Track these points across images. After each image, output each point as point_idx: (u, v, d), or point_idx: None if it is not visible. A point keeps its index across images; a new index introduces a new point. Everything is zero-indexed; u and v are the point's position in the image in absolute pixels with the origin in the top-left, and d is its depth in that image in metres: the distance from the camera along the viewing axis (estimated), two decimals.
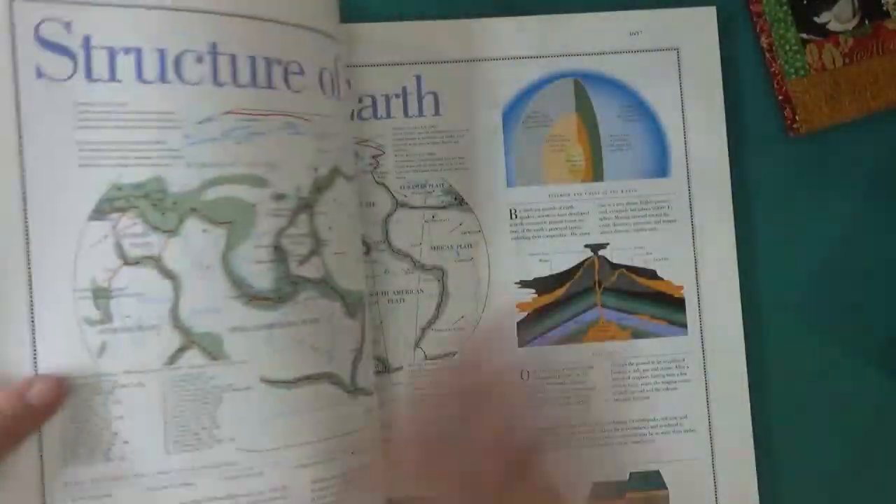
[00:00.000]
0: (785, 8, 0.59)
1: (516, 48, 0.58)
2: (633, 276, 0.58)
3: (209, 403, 0.42)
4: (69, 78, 0.39)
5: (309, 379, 0.46)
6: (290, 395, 0.45)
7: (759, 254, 0.59)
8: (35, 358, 0.40)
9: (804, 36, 0.59)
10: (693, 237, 0.58)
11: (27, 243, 0.39)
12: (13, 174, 0.39)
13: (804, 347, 0.59)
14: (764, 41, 0.59)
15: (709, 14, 0.59)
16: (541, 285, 0.58)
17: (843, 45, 0.59)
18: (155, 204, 0.41)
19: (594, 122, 0.59)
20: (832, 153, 0.60)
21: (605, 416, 0.58)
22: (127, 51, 0.40)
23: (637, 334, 0.58)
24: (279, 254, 0.44)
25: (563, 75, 0.59)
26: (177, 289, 0.41)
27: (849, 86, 0.59)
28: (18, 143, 0.39)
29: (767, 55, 0.59)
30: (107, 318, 0.41)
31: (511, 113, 0.58)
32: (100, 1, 0.39)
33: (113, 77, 0.40)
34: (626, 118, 0.59)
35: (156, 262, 0.41)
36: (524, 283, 0.58)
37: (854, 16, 0.59)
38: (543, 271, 0.58)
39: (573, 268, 0.58)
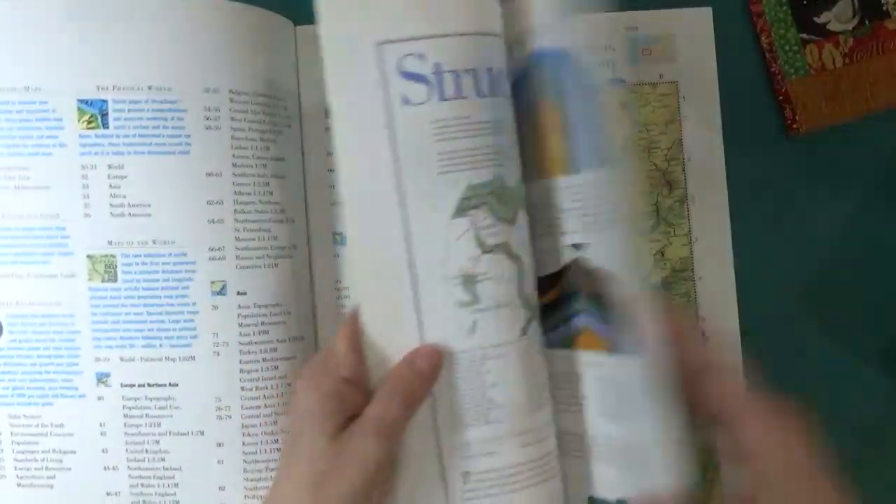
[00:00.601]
0: (785, 8, 0.59)
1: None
2: None
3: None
4: (426, 101, 0.46)
5: None
6: None
7: (757, 254, 0.59)
8: (422, 338, 0.47)
9: (804, 36, 0.59)
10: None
11: (408, 243, 0.47)
12: (392, 188, 0.46)
13: (803, 349, 0.59)
14: (764, 41, 0.59)
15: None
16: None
17: (843, 45, 0.59)
18: (499, 198, 0.48)
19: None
20: (832, 153, 0.60)
21: (596, 430, 0.55)
22: (467, 72, 0.47)
23: None
24: None
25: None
26: (520, 269, 0.48)
27: (849, 86, 0.59)
28: (394, 161, 0.46)
29: (767, 55, 0.60)
30: (474, 300, 0.47)
31: None
32: (447, 32, 0.47)
33: (459, 94, 0.47)
34: None
35: (505, 248, 0.48)
36: None
37: (854, 16, 0.59)
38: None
39: (559, 270, 0.57)
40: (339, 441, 0.44)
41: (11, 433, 0.53)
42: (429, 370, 0.46)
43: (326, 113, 0.57)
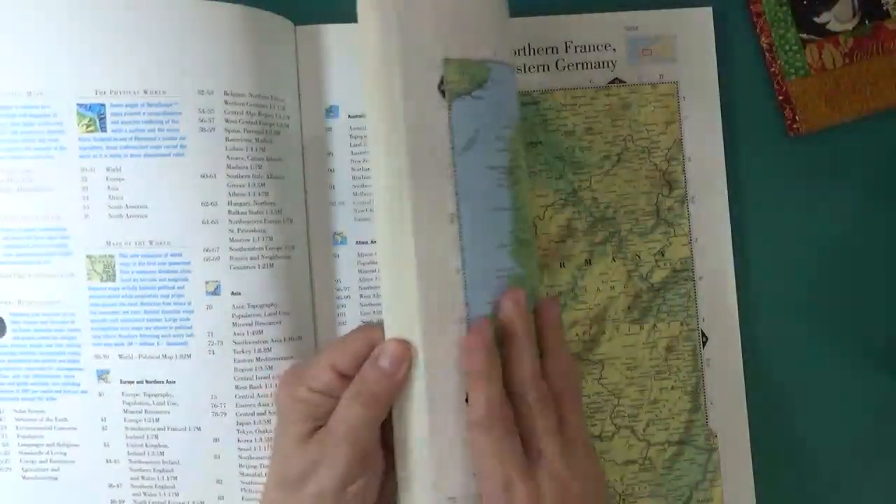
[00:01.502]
0: (785, 8, 0.59)
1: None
2: None
3: None
4: None
5: None
6: None
7: (758, 254, 0.59)
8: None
9: (804, 36, 0.59)
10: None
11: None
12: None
13: (803, 348, 0.59)
14: (764, 41, 0.59)
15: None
16: None
17: (843, 45, 0.59)
18: None
19: None
20: (832, 153, 0.60)
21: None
22: None
23: None
24: None
25: None
26: None
27: (849, 86, 0.59)
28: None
29: (767, 55, 0.59)
30: None
31: None
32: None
33: None
34: None
35: None
36: None
37: (854, 16, 0.59)
38: None
39: None
40: (310, 444, 0.47)
41: (17, 427, 0.54)
42: (392, 369, 0.46)
43: (327, 112, 0.57)
